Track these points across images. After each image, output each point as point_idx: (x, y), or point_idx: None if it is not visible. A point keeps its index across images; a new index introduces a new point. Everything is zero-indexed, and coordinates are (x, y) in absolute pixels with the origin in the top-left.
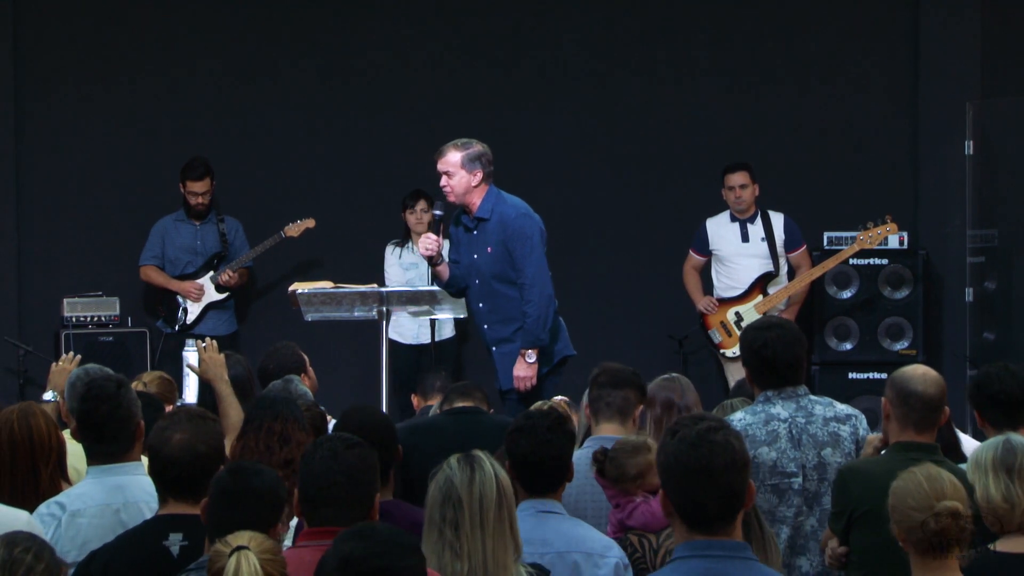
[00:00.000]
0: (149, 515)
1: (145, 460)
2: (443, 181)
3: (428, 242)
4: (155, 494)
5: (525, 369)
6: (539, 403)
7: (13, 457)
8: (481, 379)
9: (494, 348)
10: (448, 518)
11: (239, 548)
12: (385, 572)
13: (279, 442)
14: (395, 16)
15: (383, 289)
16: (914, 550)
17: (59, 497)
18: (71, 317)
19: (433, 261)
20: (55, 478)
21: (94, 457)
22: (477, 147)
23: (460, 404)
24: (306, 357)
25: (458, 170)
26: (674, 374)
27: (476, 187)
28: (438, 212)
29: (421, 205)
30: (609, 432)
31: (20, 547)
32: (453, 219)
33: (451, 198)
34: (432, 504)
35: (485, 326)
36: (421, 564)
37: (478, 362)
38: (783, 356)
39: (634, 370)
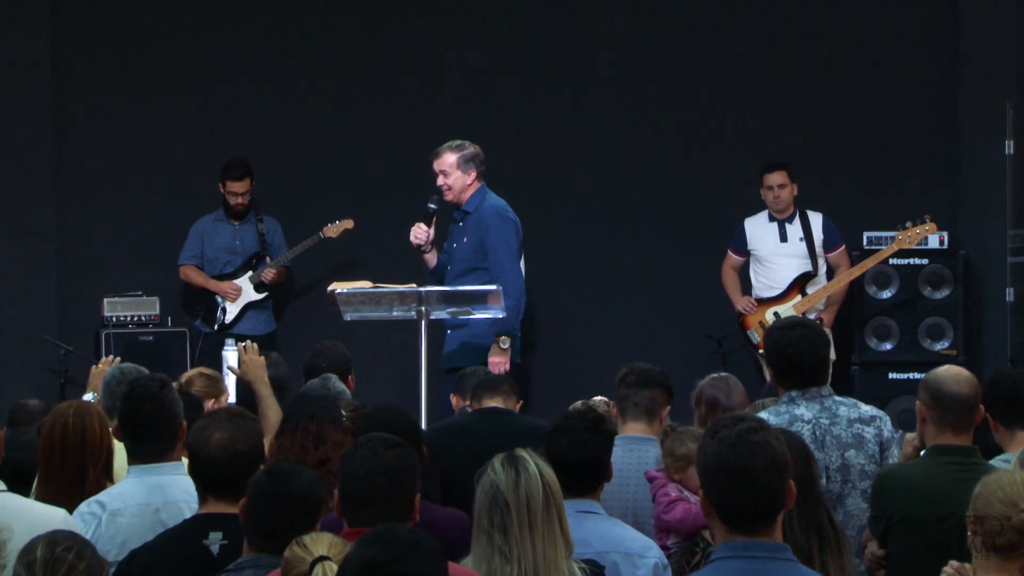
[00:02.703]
0: (189, 515)
1: (185, 459)
2: (440, 180)
3: (418, 232)
4: (195, 494)
5: (499, 355)
6: (578, 403)
7: (63, 454)
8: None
9: (448, 331)
10: (496, 523)
11: (321, 559)
12: None
13: (314, 442)
14: (432, 18)
15: (421, 289)
16: (982, 544)
17: (99, 496)
18: (111, 317)
19: (421, 249)
20: (101, 479)
21: (135, 456)
22: (471, 148)
23: (489, 403)
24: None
25: (454, 170)
26: (724, 373)
27: (470, 185)
28: (432, 206)
29: None
30: (635, 432)
31: (62, 546)
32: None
33: (448, 196)
34: (480, 510)
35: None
36: (443, 568)
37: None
38: (808, 356)
39: (661, 370)
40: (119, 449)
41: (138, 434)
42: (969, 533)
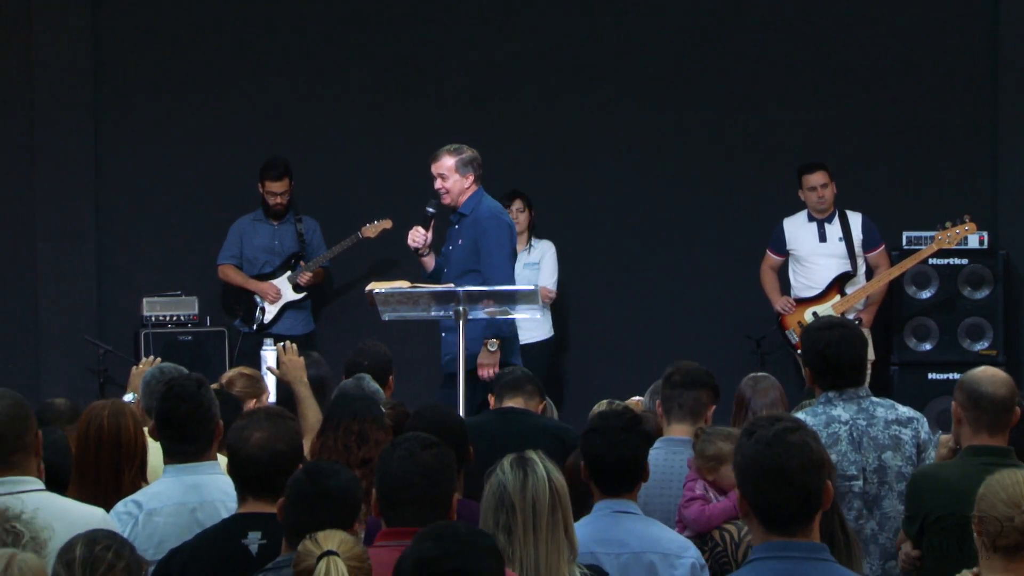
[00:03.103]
0: (225, 514)
1: (222, 459)
2: (438, 184)
3: (416, 235)
4: (232, 493)
5: (488, 357)
6: (602, 402)
7: (98, 455)
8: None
9: (444, 334)
10: (501, 523)
11: (328, 553)
12: (460, 573)
13: (357, 441)
14: (471, 19)
15: (460, 288)
16: (987, 544)
17: (136, 496)
18: (150, 317)
19: (418, 252)
20: (136, 480)
21: (172, 456)
22: (468, 152)
23: (509, 402)
24: None
25: (452, 174)
26: (762, 373)
27: (467, 189)
28: (430, 209)
29: (517, 205)
30: (680, 433)
31: (101, 545)
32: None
33: (446, 200)
34: (486, 509)
35: (442, 311)
36: (498, 565)
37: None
38: (846, 356)
39: (707, 370)
40: (155, 449)
41: (175, 434)
42: (975, 534)
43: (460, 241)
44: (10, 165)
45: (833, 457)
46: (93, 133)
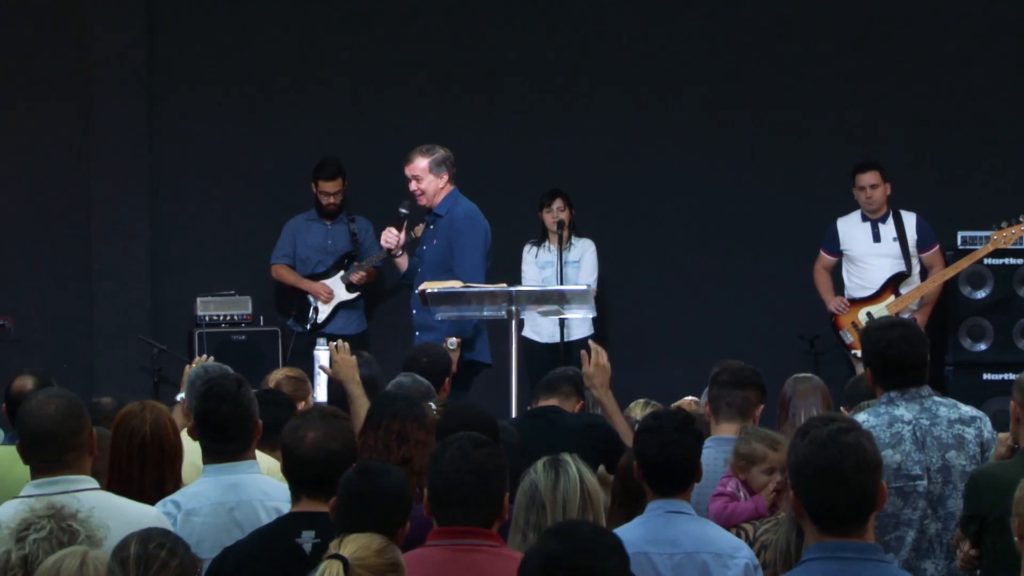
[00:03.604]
0: (263, 513)
1: (261, 457)
2: (413, 185)
3: (389, 236)
4: (270, 492)
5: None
6: (639, 400)
7: (143, 460)
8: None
9: (417, 332)
10: (532, 522)
11: (336, 556)
12: (586, 571)
13: (397, 441)
14: (533, 17)
15: (512, 288)
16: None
17: (175, 496)
18: (204, 316)
19: (392, 253)
20: (177, 482)
21: (211, 455)
22: (441, 152)
23: (542, 403)
24: None
25: (426, 175)
26: (807, 374)
27: (442, 189)
28: (404, 210)
29: (558, 204)
30: (728, 432)
31: (155, 543)
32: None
33: (422, 201)
34: (518, 508)
35: (415, 311)
36: (624, 564)
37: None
38: (909, 356)
39: (754, 369)
40: (194, 448)
41: (215, 433)
42: (1015, 537)
43: (435, 241)
44: (66, 165)
45: (897, 457)
46: (148, 133)
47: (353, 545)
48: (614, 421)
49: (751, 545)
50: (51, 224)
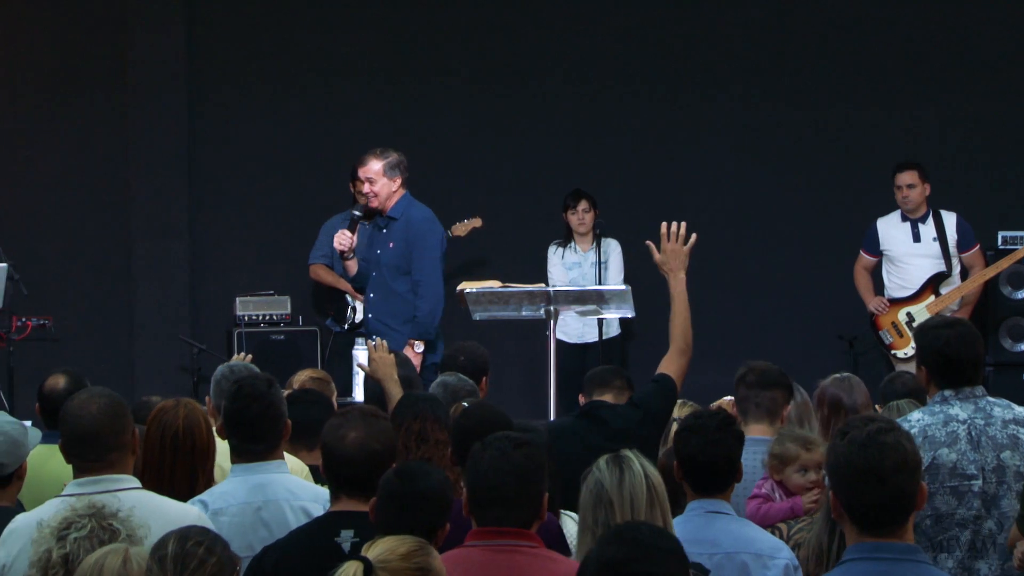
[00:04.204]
0: (290, 513)
1: (289, 458)
2: (366, 188)
3: (343, 238)
4: (297, 492)
5: (412, 358)
6: (680, 401)
7: (175, 458)
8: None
9: (374, 338)
10: (600, 520)
11: (360, 558)
12: None
13: (416, 441)
14: (561, 18)
15: (551, 288)
16: None
17: (203, 495)
18: (243, 316)
19: (344, 256)
20: (209, 479)
21: (239, 455)
22: (395, 155)
23: (596, 396)
24: None
25: (380, 177)
26: (846, 373)
27: (395, 192)
28: (357, 212)
29: (583, 205)
30: (757, 433)
31: (192, 541)
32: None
33: (375, 203)
34: (584, 507)
35: (370, 315)
36: (684, 569)
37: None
38: (966, 355)
39: (781, 369)
40: (222, 448)
41: (244, 433)
42: None
43: (391, 244)
44: (106, 166)
45: (952, 456)
46: (187, 134)
47: (380, 547)
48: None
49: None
50: (92, 224)
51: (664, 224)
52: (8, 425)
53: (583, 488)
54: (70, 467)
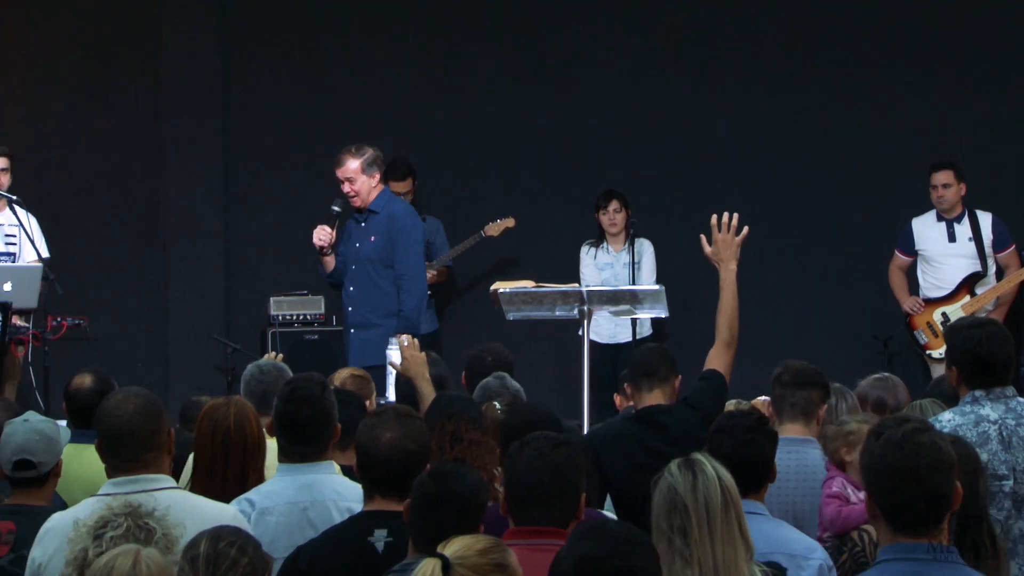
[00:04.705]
0: (336, 514)
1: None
2: (346, 187)
3: (322, 233)
4: (344, 493)
5: (407, 351)
6: (731, 401)
7: (227, 458)
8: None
9: (352, 331)
10: (676, 526)
11: (437, 555)
12: (625, 573)
13: (450, 441)
14: (592, 18)
15: (584, 288)
16: None
17: (250, 494)
18: (277, 316)
19: (322, 251)
20: (260, 476)
21: (288, 455)
22: (371, 152)
23: (644, 393)
24: None
25: (359, 175)
26: (886, 374)
27: (375, 187)
28: (336, 208)
29: (614, 205)
30: (792, 433)
31: (225, 541)
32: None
33: (357, 203)
34: (658, 513)
35: (350, 308)
36: (656, 564)
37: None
38: (997, 355)
39: (817, 368)
40: (269, 447)
41: (296, 435)
42: None
43: (372, 239)
44: (140, 166)
45: (983, 456)
46: (221, 134)
47: (457, 544)
48: (724, 298)
49: (875, 547)
50: (126, 224)
51: (715, 216)
52: (42, 424)
53: (655, 494)
54: (97, 466)
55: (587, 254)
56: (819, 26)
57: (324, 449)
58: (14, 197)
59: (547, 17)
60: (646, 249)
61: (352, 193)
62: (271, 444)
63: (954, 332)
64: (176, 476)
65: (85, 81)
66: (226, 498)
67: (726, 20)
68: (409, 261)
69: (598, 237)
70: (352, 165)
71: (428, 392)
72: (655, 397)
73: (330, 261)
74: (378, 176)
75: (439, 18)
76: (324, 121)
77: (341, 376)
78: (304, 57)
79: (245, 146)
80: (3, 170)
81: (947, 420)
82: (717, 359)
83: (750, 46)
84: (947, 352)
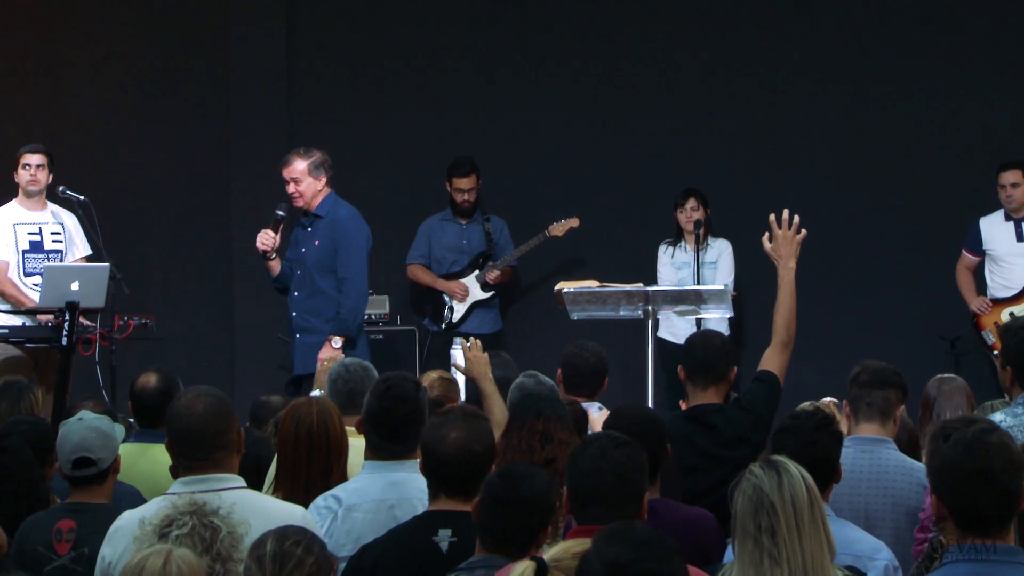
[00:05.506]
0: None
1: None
2: (291, 188)
3: (265, 238)
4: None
5: (329, 352)
6: (805, 403)
7: (310, 455)
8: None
9: (297, 335)
10: (763, 526)
11: (532, 558)
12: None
13: (541, 441)
14: (662, 16)
15: (649, 288)
16: None
17: (336, 491)
18: None
19: (266, 256)
20: (343, 474)
21: (377, 453)
22: (319, 154)
23: (699, 385)
24: None
25: (305, 177)
26: (948, 375)
27: (320, 191)
28: (281, 212)
29: (691, 203)
30: (869, 433)
31: (291, 540)
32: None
33: (299, 203)
34: (743, 514)
35: (294, 313)
36: (683, 566)
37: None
38: None
39: (895, 368)
40: (353, 445)
41: (386, 433)
42: None
43: (317, 243)
44: (206, 165)
45: None
46: (287, 135)
47: (555, 548)
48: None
49: None
50: (193, 223)
51: (773, 214)
52: (97, 421)
53: (738, 496)
54: (162, 465)
55: (664, 253)
56: (889, 25)
57: (413, 448)
58: (73, 194)
59: (615, 17)
60: (724, 248)
61: (296, 194)
62: (355, 443)
63: (1008, 332)
64: (259, 475)
65: (153, 82)
66: (311, 496)
67: (800, 22)
68: (350, 264)
69: (676, 236)
70: (299, 166)
71: (491, 392)
72: (709, 396)
73: (275, 266)
74: (324, 179)
75: (505, 17)
76: (388, 120)
77: (430, 377)
78: (369, 58)
79: (310, 145)
80: (39, 166)
81: (998, 421)
82: (773, 360)
83: (818, 45)
84: (1001, 352)
